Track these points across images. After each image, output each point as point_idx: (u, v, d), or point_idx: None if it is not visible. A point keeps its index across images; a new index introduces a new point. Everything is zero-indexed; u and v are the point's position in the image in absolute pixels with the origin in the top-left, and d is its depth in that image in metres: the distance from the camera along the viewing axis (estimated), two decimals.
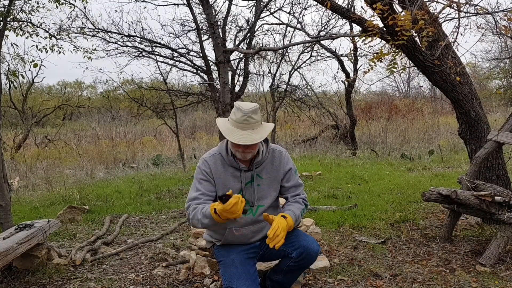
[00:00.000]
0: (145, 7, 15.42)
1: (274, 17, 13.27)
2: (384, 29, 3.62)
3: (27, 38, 4.93)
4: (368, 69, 3.91)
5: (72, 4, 5.16)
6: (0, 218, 3.77)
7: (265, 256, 2.41)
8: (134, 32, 9.05)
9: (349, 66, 12.17)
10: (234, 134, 2.13)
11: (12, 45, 9.04)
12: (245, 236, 2.32)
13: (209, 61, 8.98)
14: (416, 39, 3.75)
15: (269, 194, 2.32)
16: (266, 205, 2.31)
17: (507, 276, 2.90)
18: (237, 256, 2.27)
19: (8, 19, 4.38)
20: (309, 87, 13.04)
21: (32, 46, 5.00)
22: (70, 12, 10.38)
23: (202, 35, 8.91)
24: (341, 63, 11.71)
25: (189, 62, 9.77)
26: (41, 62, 5.58)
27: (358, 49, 10.14)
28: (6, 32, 4.44)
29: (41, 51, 5.07)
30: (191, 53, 9.85)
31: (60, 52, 5.30)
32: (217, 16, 9.03)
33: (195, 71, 9.92)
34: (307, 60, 12.39)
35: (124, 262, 3.51)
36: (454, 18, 3.61)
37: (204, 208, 2.11)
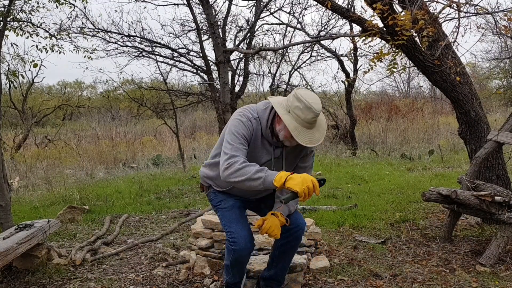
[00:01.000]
0: (145, 7, 15.39)
1: (274, 17, 13.19)
2: (384, 29, 3.62)
3: (27, 38, 4.92)
4: (368, 69, 3.92)
5: (72, 4, 5.15)
6: (0, 218, 3.77)
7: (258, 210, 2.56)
8: (134, 32, 9.07)
9: (349, 66, 12.18)
10: (302, 135, 2.07)
11: (12, 45, 9.04)
12: (249, 194, 2.41)
13: (209, 61, 8.98)
14: (416, 39, 3.75)
15: (288, 170, 2.34)
16: None
17: (507, 276, 2.90)
18: (235, 202, 2.38)
19: (8, 19, 4.38)
20: (309, 87, 13.04)
21: (32, 46, 5.00)
22: (70, 12, 10.40)
23: (202, 35, 8.91)
24: (341, 63, 11.70)
25: (189, 62, 9.78)
26: (41, 62, 5.60)
27: (358, 49, 10.13)
28: (6, 32, 4.43)
29: (41, 51, 5.07)
30: (191, 53, 9.87)
31: (60, 52, 5.30)
32: (217, 16, 9.04)
33: (195, 71, 9.94)
34: (307, 60, 12.41)
35: (124, 262, 3.51)
36: (454, 18, 3.63)
37: (266, 170, 2.03)
